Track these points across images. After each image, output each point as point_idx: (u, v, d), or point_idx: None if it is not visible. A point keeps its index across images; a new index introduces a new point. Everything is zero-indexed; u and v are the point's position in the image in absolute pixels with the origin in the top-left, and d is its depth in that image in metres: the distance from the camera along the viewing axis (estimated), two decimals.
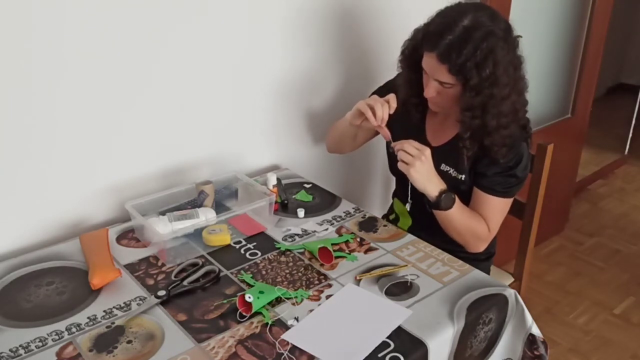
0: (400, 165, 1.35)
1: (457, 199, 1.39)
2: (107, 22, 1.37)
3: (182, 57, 1.53)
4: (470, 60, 1.26)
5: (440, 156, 1.47)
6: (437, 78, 1.33)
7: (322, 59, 1.85)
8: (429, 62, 1.33)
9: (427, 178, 1.36)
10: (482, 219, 1.45)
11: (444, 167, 1.48)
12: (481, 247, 1.48)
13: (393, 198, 1.74)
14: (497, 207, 1.46)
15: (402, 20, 1.95)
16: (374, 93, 1.66)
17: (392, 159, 1.64)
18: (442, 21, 1.32)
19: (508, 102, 1.33)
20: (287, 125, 1.86)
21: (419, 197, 1.46)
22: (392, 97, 1.39)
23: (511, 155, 1.39)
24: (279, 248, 1.38)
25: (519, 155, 1.41)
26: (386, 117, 1.38)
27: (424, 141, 1.51)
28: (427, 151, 1.34)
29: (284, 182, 1.68)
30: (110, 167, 1.50)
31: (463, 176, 1.46)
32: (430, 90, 1.37)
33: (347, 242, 1.41)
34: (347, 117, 1.50)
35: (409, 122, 1.54)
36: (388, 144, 1.64)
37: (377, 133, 1.68)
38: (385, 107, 1.37)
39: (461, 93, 1.33)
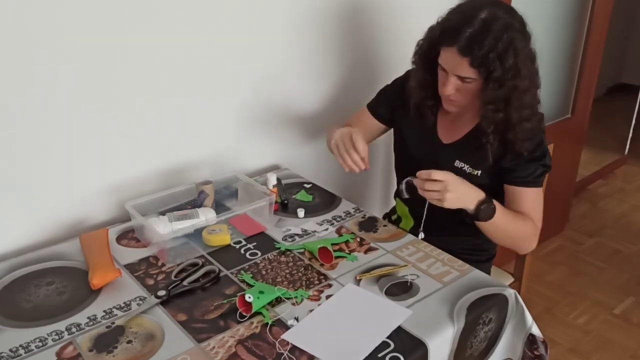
0: (436, 203, 1.29)
1: (497, 205, 1.34)
2: (106, 22, 1.37)
3: (182, 57, 1.53)
4: (493, 52, 1.25)
5: (453, 153, 1.47)
6: (457, 73, 1.31)
7: (323, 58, 1.85)
8: (448, 57, 1.31)
9: (462, 201, 1.30)
10: (525, 216, 1.40)
11: (457, 163, 1.47)
12: (533, 245, 1.45)
13: (395, 198, 1.74)
14: (536, 199, 1.42)
15: (407, 18, 1.96)
16: (382, 91, 1.66)
17: (400, 160, 1.64)
18: (460, 16, 1.30)
19: (530, 95, 1.33)
20: (288, 125, 1.86)
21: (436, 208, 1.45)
22: (357, 139, 1.35)
23: (534, 147, 1.38)
24: (279, 248, 1.38)
25: (543, 145, 1.40)
26: (360, 163, 1.35)
27: (435, 139, 1.51)
28: (449, 176, 1.26)
29: (284, 182, 1.68)
30: (110, 167, 1.50)
31: (479, 172, 1.44)
32: (450, 88, 1.34)
33: (347, 242, 1.41)
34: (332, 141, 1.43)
35: (422, 123, 1.53)
36: (396, 147, 1.64)
37: (381, 133, 1.68)
38: (354, 154, 1.35)
39: (482, 87, 1.32)
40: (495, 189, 1.42)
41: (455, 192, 1.26)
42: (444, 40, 1.31)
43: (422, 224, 1.46)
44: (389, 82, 1.67)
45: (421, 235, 1.45)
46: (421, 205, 1.49)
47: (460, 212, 1.33)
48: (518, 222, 1.39)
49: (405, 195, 1.36)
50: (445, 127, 1.52)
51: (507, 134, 1.36)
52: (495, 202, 1.33)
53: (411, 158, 1.58)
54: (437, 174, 1.25)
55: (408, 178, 1.33)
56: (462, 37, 1.26)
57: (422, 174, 1.27)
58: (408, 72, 1.57)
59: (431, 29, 1.39)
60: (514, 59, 1.26)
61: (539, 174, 1.41)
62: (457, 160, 1.47)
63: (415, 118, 1.53)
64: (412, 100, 1.51)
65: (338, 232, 1.46)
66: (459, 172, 1.44)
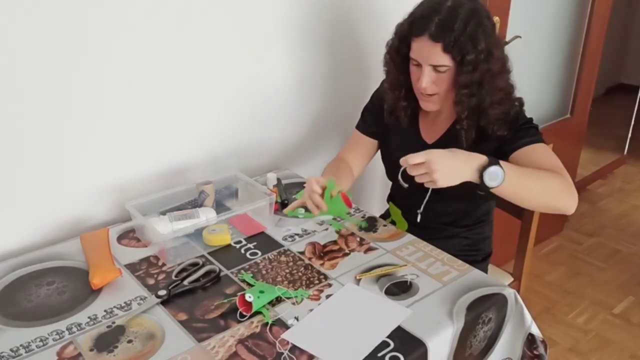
0: (427, 185, 1.21)
1: (507, 165, 1.21)
2: (106, 22, 1.37)
3: (182, 57, 1.53)
4: (464, 35, 1.26)
5: None
6: (431, 62, 1.31)
7: (322, 58, 1.86)
8: (420, 47, 1.31)
9: (457, 174, 1.19)
10: (546, 169, 1.28)
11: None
12: (575, 197, 1.27)
13: (388, 202, 1.74)
14: (546, 151, 1.33)
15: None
16: (364, 109, 1.65)
17: (390, 167, 1.64)
18: (427, 6, 1.32)
19: (501, 78, 1.33)
20: (288, 125, 1.87)
21: (429, 211, 1.42)
22: (313, 184, 1.30)
23: (508, 125, 1.36)
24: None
25: (513, 112, 1.37)
26: (322, 205, 1.30)
27: (420, 141, 1.51)
28: (430, 155, 1.17)
29: (284, 182, 1.68)
30: (110, 167, 1.51)
31: None
32: (425, 80, 1.33)
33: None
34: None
35: (401, 127, 1.52)
36: (383, 156, 1.64)
37: (377, 149, 1.67)
38: (315, 197, 1.30)
39: (456, 72, 1.31)
40: None
41: (442, 168, 1.16)
42: (414, 30, 1.31)
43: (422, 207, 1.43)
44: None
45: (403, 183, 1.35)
46: (415, 208, 1.49)
47: (453, 214, 1.31)
48: (540, 174, 1.26)
49: (405, 185, 1.29)
50: (427, 128, 1.52)
51: (480, 120, 1.36)
52: (503, 162, 1.21)
53: (398, 164, 1.58)
54: (415, 157, 1.17)
55: (403, 167, 1.25)
56: (432, 24, 1.27)
57: (402, 161, 1.19)
58: (384, 80, 1.56)
59: (399, 25, 1.39)
60: (485, 42, 1.28)
61: (533, 133, 1.36)
62: None
63: (397, 126, 1.52)
64: (385, 104, 1.52)
65: (338, 231, 1.46)
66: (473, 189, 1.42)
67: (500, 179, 1.19)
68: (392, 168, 1.64)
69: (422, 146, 1.51)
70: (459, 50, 1.27)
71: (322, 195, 1.31)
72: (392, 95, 1.48)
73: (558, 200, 1.27)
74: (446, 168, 1.17)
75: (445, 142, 1.47)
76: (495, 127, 1.36)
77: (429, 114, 1.50)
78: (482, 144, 1.38)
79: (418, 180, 1.20)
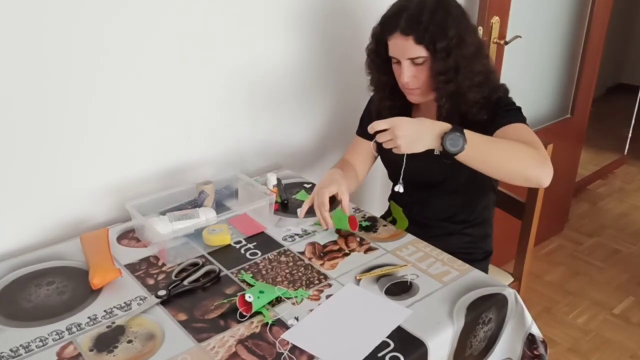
0: (395, 151, 1.22)
1: (470, 133, 1.20)
2: (105, 22, 1.37)
3: (182, 57, 1.53)
4: (432, 24, 1.30)
5: None
6: (408, 56, 1.34)
7: (322, 58, 1.86)
8: (395, 43, 1.35)
9: (420, 140, 1.19)
10: (518, 141, 1.26)
11: (437, 151, 1.46)
12: (549, 168, 1.23)
13: (389, 201, 1.74)
14: (523, 129, 1.33)
15: None
16: (362, 116, 1.67)
17: (390, 169, 1.64)
18: (396, 6, 1.37)
19: (478, 62, 1.36)
20: (288, 125, 1.87)
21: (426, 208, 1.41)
22: (324, 197, 1.37)
23: (489, 110, 1.37)
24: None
25: (495, 97, 1.38)
26: (328, 221, 1.39)
27: None
28: (394, 121, 1.18)
29: (284, 182, 1.68)
30: (110, 167, 1.50)
31: None
32: (406, 75, 1.37)
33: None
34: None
35: None
36: (382, 159, 1.65)
37: (377, 156, 1.67)
38: (323, 212, 1.38)
39: (432, 61, 1.35)
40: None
41: (405, 133, 1.17)
42: (387, 29, 1.37)
43: (401, 177, 1.41)
44: None
45: (399, 187, 1.40)
46: (414, 205, 1.48)
47: (451, 209, 1.31)
48: (508, 143, 1.24)
49: (375, 154, 1.39)
50: None
51: (460, 105, 1.38)
52: (468, 131, 1.20)
53: (395, 161, 1.59)
54: (379, 124, 1.19)
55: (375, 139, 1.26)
56: (402, 20, 1.32)
57: (369, 128, 1.21)
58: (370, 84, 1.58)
59: (374, 28, 1.44)
60: (455, 28, 1.31)
61: (513, 114, 1.36)
62: (434, 149, 1.46)
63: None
64: (373, 106, 1.55)
65: (338, 232, 1.46)
66: (440, 159, 1.42)
67: (462, 145, 1.18)
68: (391, 170, 1.64)
69: None
70: (431, 40, 1.31)
71: (331, 201, 1.38)
72: (377, 96, 1.52)
73: (527, 169, 1.22)
74: (409, 133, 1.18)
75: None
76: (475, 110, 1.38)
77: (419, 111, 1.52)
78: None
79: (385, 146, 1.21)
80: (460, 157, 1.20)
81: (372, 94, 1.60)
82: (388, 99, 1.50)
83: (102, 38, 1.37)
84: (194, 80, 1.58)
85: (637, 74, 4.82)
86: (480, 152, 1.21)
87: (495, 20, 2.14)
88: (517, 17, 2.26)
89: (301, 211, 1.43)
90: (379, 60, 1.45)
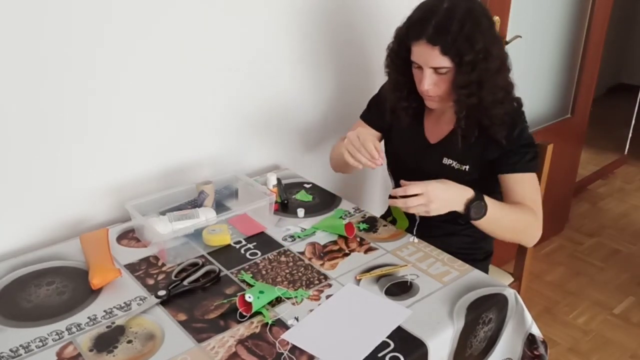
0: (423, 214, 1.27)
1: (489, 201, 1.31)
2: (106, 22, 1.37)
3: (183, 57, 1.53)
4: (460, 36, 1.27)
5: (440, 151, 1.48)
6: (431, 65, 1.32)
7: (322, 59, 1.85)
8: (419, 50, 1.32)
9: (448, 206, 1.28)
10: (522, 206, 1.37)
11: (446, 160, 1.47)
12: (537, 234, 1.40)
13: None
14: (530, 184, 1.40)
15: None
16: (372, 101, 1.67)
17: (391, 161, 1.64)
18: (423, 10, 1.33)
19: (502, 76, 1.34)
20: (288, 125, 1.86)
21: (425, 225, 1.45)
22: (365, 138, 1.32)
23: (516, 135, 1.38)
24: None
25: (525, 132, 1.40)
26: (375, 155, 1.32)
27: (422, 140, 1.52)
28: (428, 186, 1.24)
29: (284, 182, 1.68)
30: (110, 167, 1.50)
31: (467, 167, 1.44)
32: (427, 82, 1.34)
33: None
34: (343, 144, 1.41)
35: (410, 126, 1.53)
36: (386, 149, 1.65)
37: (380, 140, 1.67)
38: (364, 152, 1.32)
39: (455, 72, 1.32)
40: (486, 183, 1.42)
41: (438, 200, 1.24)
42: (412, 34, 1.33)
43: (415, 229, 1.45)
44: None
45: (413, 239, 1.43)
46: None
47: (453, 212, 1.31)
48: (515, 213, 1.36)
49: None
50: (430, 127, 1.53)
51: (482, 120, 1.37)
52: (486, 197, 1.31)
53: (402, 160, 1.61)
54: (413, 189, 1.23)
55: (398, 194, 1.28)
56: (429, 27, 1.29)
57: (398, 191, 1.25)
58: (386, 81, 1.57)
59: (398, 29, 1.41)
60: (482, 41, 1.28)
61: (528, 159, 1.40)
62: (444, 158, 1.48)
63: (399, 125, 1.54)
64: (387, 103, 1.53)
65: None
66: (448, 169, 1.45)
67: (483, 213, 1.30)
68: (393, 163, 1.64)
69: (425, 145, 1.52)
70: (457, 52, 1.28)
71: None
72: (394, 96, 1.49)
73: (521, 237, 1.44)
74: (442, 201, 1.26)
75: (447, 143, 1.47)
76: (497, 127, 1.37)
77: (433, 114, 1.51)
78: (483, 151, 1.41)
79: (412, 211, 1.25)
80: (477, 222, 1.32)
81: (381, 82, 1.60)
82: (405, 100, 1.48)
83: (102, 38, 1.37)
84: (194, 80, 1.58)
85: (637, 74, 4.82)
86: (493, 221, 1.33)
87: (496, 20, 2.14)
88: (517, 17, 2.26)
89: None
90: (399, 61, 1.42)
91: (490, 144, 1.40)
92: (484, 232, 1.37)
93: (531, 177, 1.41)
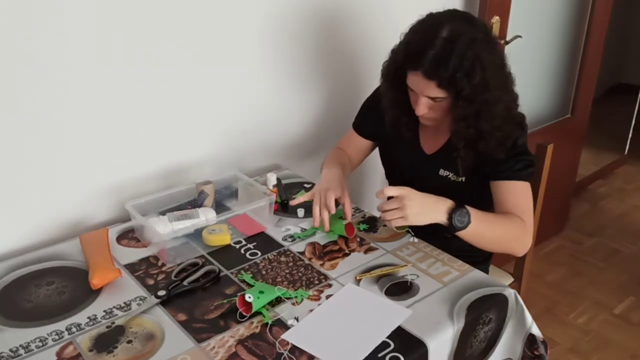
0: (396, 223, 1.24)
1: (472, 210, 1.27)
2: (107, 23, 1.37)
3: (181, 57, 1.53)
4: (459, 72, 1.21)
5: (436, 162, 1.47)
6: (426, 95, 1.29)
7: (321, 58, 1.85)
8: (415, 80, 1.28)
9: (427, 214, 1.24)
10: (511, 215, 1.34)
11: (442, 172, 1.46)
12: (527, 243, 1.37)
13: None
14: (521, 193, 1.36)
15: (394, 15, 1.96)
16: (364, 107, 1.65)
17: (388, 169, 1.64)
18: (421, 37, 1.26)
19: (500, 105, 1.29)
20: (288, 125, 1.86)
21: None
22: (330, 200, 1.38)
23: (509, 147, 1.36)
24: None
25: (518, 144, 1.36)
26: (326, 224, 1.40)
27: (418, 151, 1.51)
28: (405, 190, 1.23)
29: (284, 182, 1.68)
30: (110, 167, 1.50)
31: (463, 178, 1.44)
32: (422, 108, 1.31)
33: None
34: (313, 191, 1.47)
35: (402, 138, 1.51)
36: (382, 157, 1.64)
37: (372, 149, 1.67)
38: (325, 215, 1.39)
39: (452, 104, 1.29)
40: (482, 195, 1.41)
41: (414, 206, 1.21)
42: (408, 64, 1.28)
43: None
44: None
45: (413, 238, 1.42)
46: None
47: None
48: (503, 223, 1.32)
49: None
50: (427, 138, 1.51)
51: (478, 145, 1.34)
52: (470, 208, 1.26)
53: (398, 169, 1.60)
54: (390, 190, 1.22)
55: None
56: (426, 60, 1.22)
57: (378, 193, 1.23)
58: (385, 96, 1.52)
59: (395, 52, 1.36)
60: (481, 74, 1.22)
61: (520, 168, 1.36)
62: (440, 169, 1.46)
63: (398, 137, 1.51)
64: (387, 118, 1.50)
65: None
66: (444, 181, 1.44)
67: (467, 222, 1.25)
68: (390, 170, 1.64)
69: (421, 157, 1.51)
70: (454, 87, 1.24)
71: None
72: (393, 113, 1.47)
73: (509, 249, 1.38)
74: (419, 207, 1.23)
75: (443, 154, 1.46)
76: (493, 150, 1.34)
77: (429, 126, 1.50)
78: (480, 164, 1.38)
79: (389, 216, 1.24)
80: (462, 233, 1.27)
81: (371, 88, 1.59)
82: (405, 116, 1.44)
83: (102, 38, 1.37)
84: (194, 81, 1.58)
85: (637, 74, 4.81)
86: (479, 231, 1.28)
87: (496, 20, 2.15)
88: (517, 17, 2.26)
89: (295, 201, 1.45)
90: (396, 81, 1.37)
91: (485, 161, 1.37)
92: (471, 243, 1.32)
93: (522, 185, 1.37)
